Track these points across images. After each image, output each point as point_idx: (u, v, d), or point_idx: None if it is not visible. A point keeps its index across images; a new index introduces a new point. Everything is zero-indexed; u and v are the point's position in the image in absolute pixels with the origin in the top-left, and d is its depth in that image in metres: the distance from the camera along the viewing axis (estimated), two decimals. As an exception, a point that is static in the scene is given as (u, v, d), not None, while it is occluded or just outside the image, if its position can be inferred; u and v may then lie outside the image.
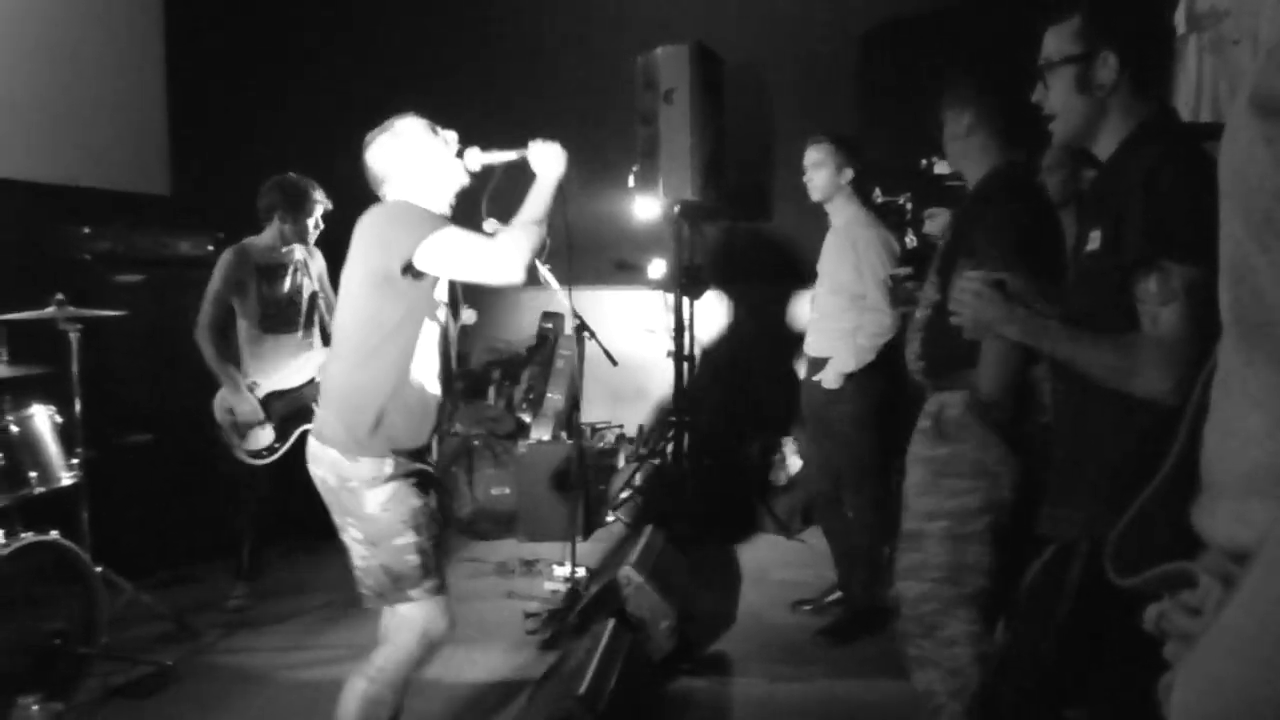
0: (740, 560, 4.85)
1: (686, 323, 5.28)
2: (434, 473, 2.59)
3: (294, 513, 4.72)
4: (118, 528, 3.97)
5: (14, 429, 3.29)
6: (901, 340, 3.49)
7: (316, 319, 4.33)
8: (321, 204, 4.21)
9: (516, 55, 6.00)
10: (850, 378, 3.79)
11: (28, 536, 3.13)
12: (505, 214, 2.59)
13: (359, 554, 2.45)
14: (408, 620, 2.43)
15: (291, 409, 4.09)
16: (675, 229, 5.19)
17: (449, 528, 5.26)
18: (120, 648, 3.53)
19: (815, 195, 3.93)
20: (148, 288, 4.66)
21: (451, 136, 2.70)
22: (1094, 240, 1.80)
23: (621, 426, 6.11)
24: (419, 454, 2.51)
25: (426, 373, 2.50)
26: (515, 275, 2.41)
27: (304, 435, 4.09)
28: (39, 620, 3.15)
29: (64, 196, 4.82)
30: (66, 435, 3.51)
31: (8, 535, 3.13)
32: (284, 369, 4.16)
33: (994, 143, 2.50)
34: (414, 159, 2.60)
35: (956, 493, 2.33)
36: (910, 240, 3.84)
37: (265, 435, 4.08)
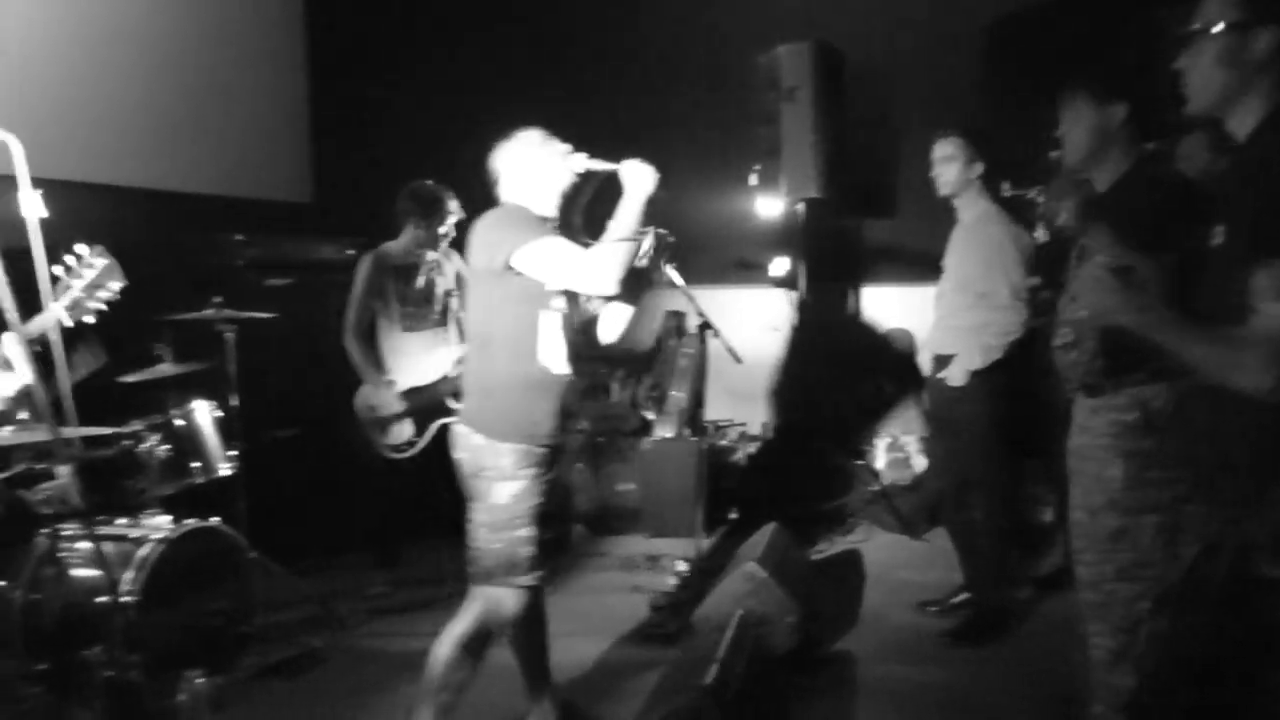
0: (864, 559, 4.82)
1: (809, 320, 5.28)
2: (561, 457, 2.83)
3: (431, 505, 4.97)
4: (269, 516, 4.23)
5: (179, 423, 3.55)
6: (1029, 339, 3.42)
7: (451, 317, 4.50)
8: (454, 213, 4.36)
9: (641, 58, 6.10)
10: (977, 375, 3.73)
11: (192, 522, 3.39)
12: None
13: (480, 536, 2.70)
14: (490, 603, 2.72)
15: (428, 404, 4.27)
16: (797, 226, 5.19)
17: (573, 523, 5.39)
18: (273, 629, 3.76)
19: (944, 190, 3.88)
20: (293, 291, 4.92)
21: (562, 147, 2.88)
22: (1219, 234, 1.76)
23: (744, 424, 6.14)
24: (550, 436, 2.73)
25: (550, 357, 2.71)
26: (606, 288, 2.64)
27: (441, 429, 4.30)
28: (202, 601, 3.38)
29: (219, 206, 5.17)
30: (224, 429, 3.76)
31: (174, 521, 3.39)
32: (421, 365, 4.34)
33: (1138, 135, 2.45)
34: (523, 165, 2.84)
35: (1166, 483, 2.27)
36: (1041, 235, 3.76)
37: (404, 430, 4.28)
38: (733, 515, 5.56)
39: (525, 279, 2.66)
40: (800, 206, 5.02)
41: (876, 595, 4.31)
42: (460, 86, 6.23)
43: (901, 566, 4.73)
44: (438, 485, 4.65)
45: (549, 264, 2.63)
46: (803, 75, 4.77)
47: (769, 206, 5.08)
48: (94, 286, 2.74)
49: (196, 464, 3.58)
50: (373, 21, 6.18)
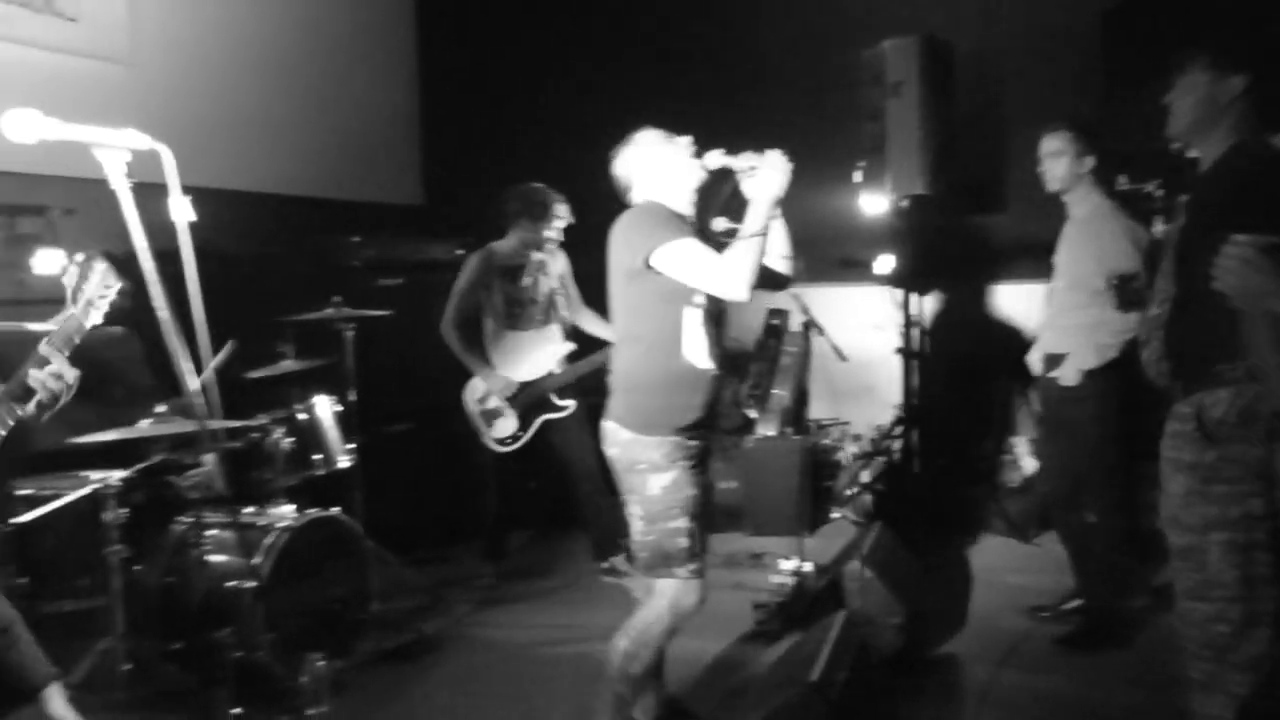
0: (971, 562, 4.73)
1: (915, 319, 5.21)
2: (711, 448, 2.86)
3: (537, 499, 5.09)
4: (383, 508, 4.39)
5: (301, 416, 3.72)
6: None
7: (555, 315, 4.59)
8: (562, 217, 4.45)
9: (744, 55, 6.10)
10: (1091, 375, 3.62)
11: (315, 512, 3.55)
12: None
13: (638, 528, 2.77)
14: (663, 590, 2.76)
15: (532, 400, 4.38)
16: (903, 224, 5.12)
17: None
18: (387, 616, 3.90)
19: (1053, 186, 3.77)
20: (406, 290, 5.08)
21: (685, 141, 2.91)
22: None
23: (848, 423, 6.08)
24: (699, 428, 2.77)
25: (695, 351, 2.75)
26: (739, 293, 2.65)
27: (545, 424, 4.40)
28: (323, 587, 3.54)
29: (336, 209, 5.39)
30: (343, 423, 3.92)
31: (297, 510, 3.56)
32: (525, 362, 4.45)
33: (1253, 114, 2.28)
34: (652, 165, 2.87)
35: (1235, 499, 2.13)
36: (1159, 230, 3.63)
37: (509, 424, 4.39)
38: (835, 515, 5.53)
39: (665, 278, 2.70)
40: (906, 203, 4.95)
41: (985, 599, 4.22)
42: (565, 92, 6.36)
43: (1011, 570, 4.62)
44: (542, 479, 4.81)
45: (683, 267, 2.66)
46: (909, 70, 4.70)
47: (874, 203, 5.03)
48: (104, 288, 2.71)
49: (318, 456, 3.73)
50: (478, 33, 6.36)
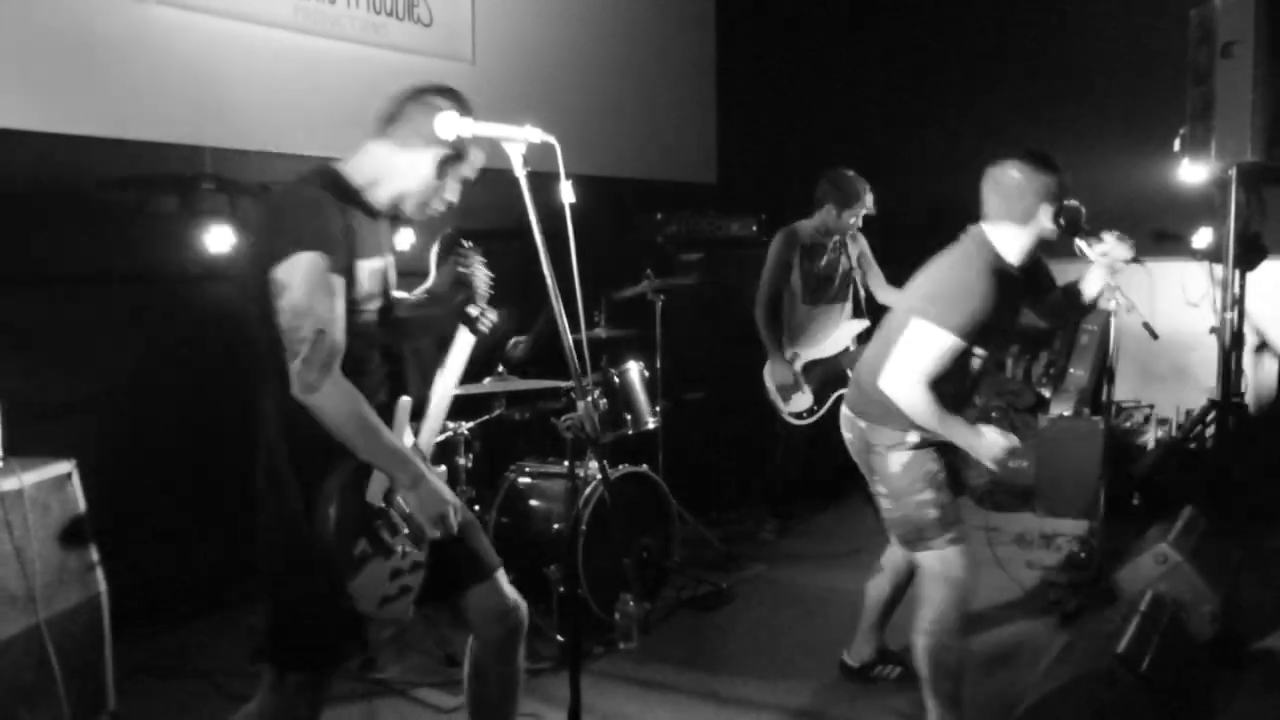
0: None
1: (1238, 296, 4.85)
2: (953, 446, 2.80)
3: (824, 468, 5.23)
4: (680, 468, 4.70)
5: (615, 380, 4.07)
6: None
7: (851, 294, 4.70)
8: (867, 208, 4.51)
9: (1061, 14, 5.87)
10: None
11: (626, 467, 3.89)
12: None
13: (884, 506, 2.85)
14: (930, 572, 2.78)
15: (829, 375, 4.54)
16: (1229, 194, 4.77)
17: (963, 496, 5.39)
18: (686, 568, 4.20)
19: None
20: (704, 264, 5.37)
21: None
22: None
23: (1152, 406, 5.76)
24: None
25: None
26: (894, 393, 2.69)
27: (839, 399, 4.53)
28: (633, 535, 3.88)
29: (642, 189, 5.76)
30: (650, 388, 4.24)
31: (611, 465, 3.90)
32: (823, 339, 4.61)
33: None
34: (1020, 209, 2.68)
35: None
36: None
37: (804, 399, 4.58)
38: (1135, 500, 5.27)
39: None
40: (1233, 171, 4.61)
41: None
42: (846, 79, 6.41)
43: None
44: (832, 450, 4.93)
45: (913, 342, 2.63)
46: (1243, 28, 4.35)
47: (1194, 173, 4.72)
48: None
49: (628, 416, 4.06)
50: (769, 32, 6.56)
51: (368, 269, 2.08)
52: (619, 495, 3.84)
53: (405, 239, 4.59)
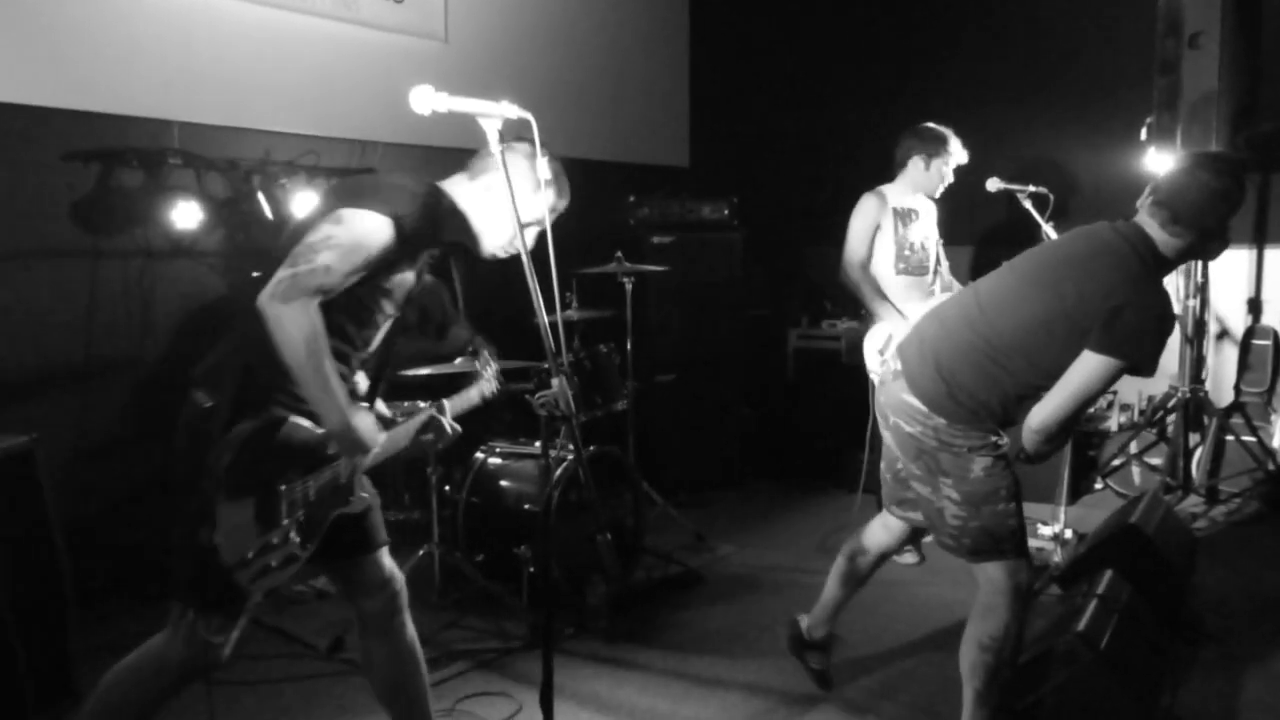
0: (1260, 543, 4.48)
1: (1201, 285, 4.93)
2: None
3: (796, 453, 5.23)
4: (650, 450, 4.71)
5: (587, 362, 4.06)
6: None
7: (934, 264, 4.40)
8: (956, 155, 4.23)
9: (1025, 4, 5.92)
10: None
11: (597, 448, 3.89)
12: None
13: (953, 513, 2.51)
14: (996, 582, 2.53)
15: None
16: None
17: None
18: (657, 549, 4.22)
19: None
20: (675, 248, 5.36)
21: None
22: None
23: (1114, 393, 5.84)
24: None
25: None
26: None
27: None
28: (603, 516, 3.87)
29: (614, 171, 5.75)
30: (621, 370, 4.25)
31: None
32: (909, 308, 4.22)
33: None
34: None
35: None
36: None
37: (875, 362, 4.13)
38: (1098, 486, 5.36)
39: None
40: (1196, 161, 4.68)
41: (1274, 580, 4.01)
42: (827, 58, 6.42)
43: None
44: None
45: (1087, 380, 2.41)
46: (1210, 20, 4.41)
47: (1159, 162, 4.78)
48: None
49: (599, 398, 4.06)
50: (742, 16, 6.57)
51: (400, 276, 2.16)
52: (591, 475, 3.83)
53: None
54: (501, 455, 3.98)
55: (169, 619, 2.08)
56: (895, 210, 4.24)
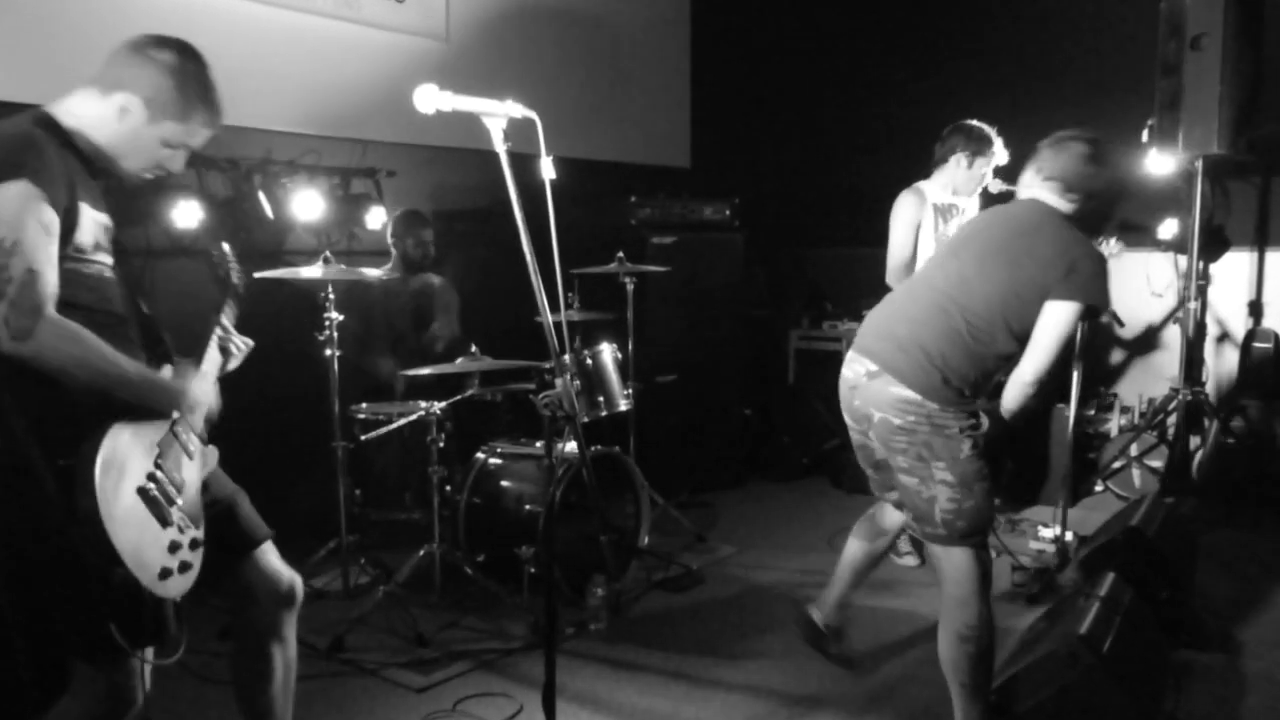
0: (1261, 546, 4.48)
1: (1202, 287, 4.93)
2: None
3: (791, 453, 5.24)
4: (652, 451, 4.70)
5: (589, 362, 4.06)
6: None
7: None
8: (998, 156, 4.12)
9: (1026, 5, 5.93)
10: None
11: (599, 448, 3.89)
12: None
13: (947, 497, 2.54)
14: (966, 570, 2.57)
15: None
16: (1195, 186, 4.84)
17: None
18: (657, 550, 4.22)
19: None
20: (677, 248, 5.36)
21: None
22: None
23: (1115, 394, 5.84)
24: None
25: None
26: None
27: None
28: (604, 516, 3.88)
29: (615, 172, 5.75)
30: (622, 370, 4.24)
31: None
32: None
33: None
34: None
35: None
36: None
37: None
38: (1099, 489, 5.36)
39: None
40: (1199, 163, 4.68)
41: (1274, 585, 4.01)
42: (827, 59, 6.42)
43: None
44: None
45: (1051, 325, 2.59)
46: (1212, 21, 4.41)
47: (1161, 164, 4.78)
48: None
49: (601, 398, 4.06)
50: (744, 16, 6.57)
51: (92, 217, 1.91)
52: (593, 477, 3.83)
53: (377, 218, 4.58)
54: (502, 455, 3.98)
55: (70, 691, 1.93)
56: (935, 206, 4.14)
